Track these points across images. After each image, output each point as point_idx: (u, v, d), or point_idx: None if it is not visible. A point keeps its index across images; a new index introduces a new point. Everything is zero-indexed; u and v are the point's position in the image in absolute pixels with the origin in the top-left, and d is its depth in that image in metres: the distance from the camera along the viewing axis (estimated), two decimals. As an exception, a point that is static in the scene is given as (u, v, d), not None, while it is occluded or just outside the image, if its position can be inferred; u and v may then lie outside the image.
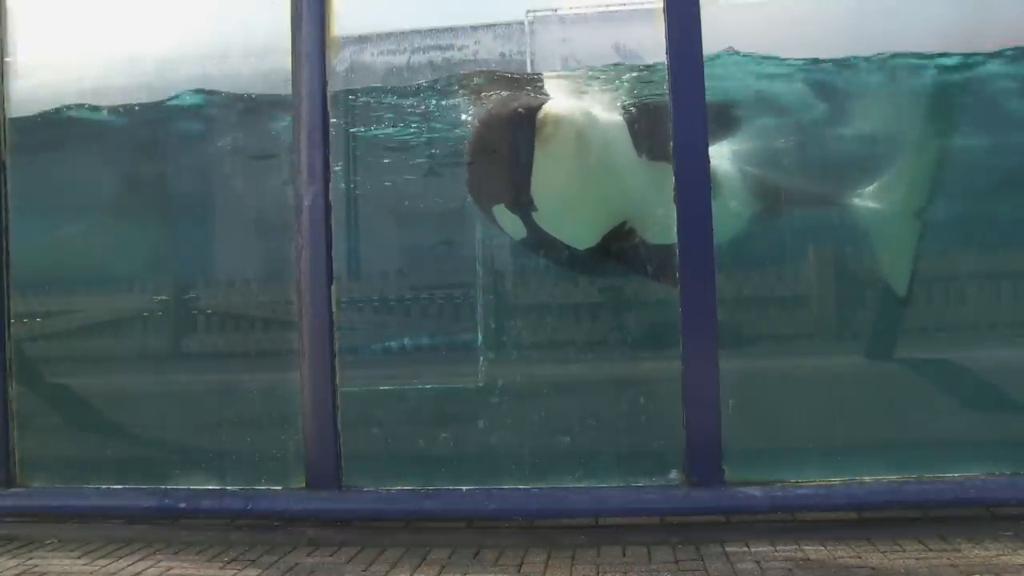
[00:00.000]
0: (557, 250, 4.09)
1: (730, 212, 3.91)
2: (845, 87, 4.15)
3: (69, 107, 4.32)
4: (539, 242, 4.03)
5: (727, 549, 3.07)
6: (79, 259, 4.37)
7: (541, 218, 3.90)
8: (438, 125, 4.36)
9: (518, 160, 3.81)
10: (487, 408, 3.97)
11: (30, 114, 4.21)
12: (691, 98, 3.44)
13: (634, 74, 4.13)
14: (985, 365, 3.88)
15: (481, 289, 4.24)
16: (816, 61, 4.05)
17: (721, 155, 3.89)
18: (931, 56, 4.02)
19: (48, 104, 4.29)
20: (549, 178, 3.81)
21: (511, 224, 4.00)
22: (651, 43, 3.59)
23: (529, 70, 4.33)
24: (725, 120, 3.92)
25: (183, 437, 4.12)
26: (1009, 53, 3.98)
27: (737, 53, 3.88)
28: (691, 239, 3.44)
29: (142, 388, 4.25)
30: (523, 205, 3.88)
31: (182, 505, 3.70)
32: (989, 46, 3.93)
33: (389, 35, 4.27)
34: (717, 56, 3.71)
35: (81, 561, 3.25)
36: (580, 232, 4.05)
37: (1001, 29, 3.88)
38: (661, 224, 3.99)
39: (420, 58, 4.21)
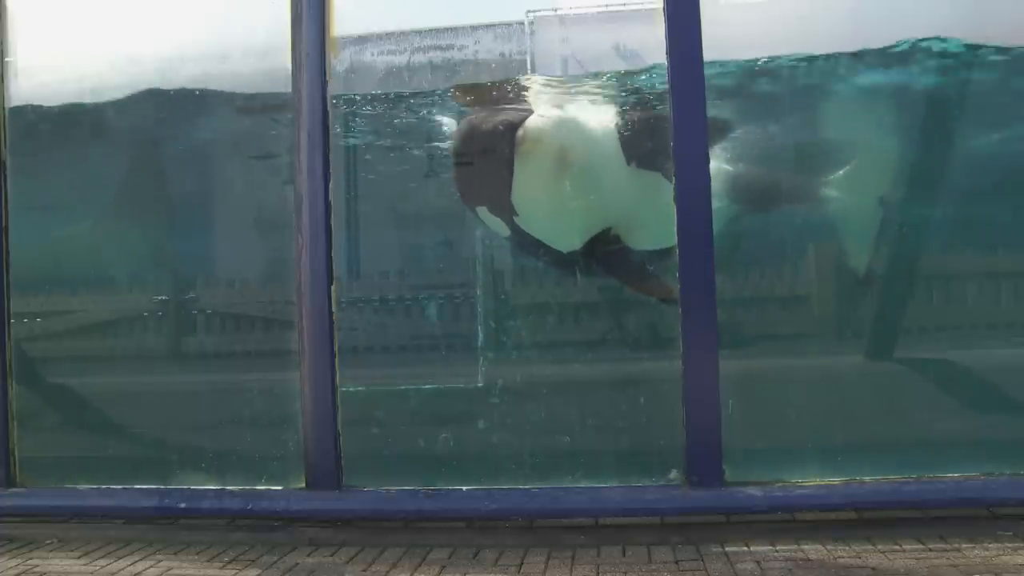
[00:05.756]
0: (543, 250, 4.12)
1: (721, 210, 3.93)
2: (839, 85, 4.16)
3: (69, 106, 4.32)
4: (523, 242, 4.08)
5: (727, 549, 3.07)
6: (79, 259, 4.37)
7: (522, 222, 3.94)
8: (439, 125, 4.36)
9: (499, 172, 3.84)
10: (487, 408, 3.97)
11: (30, 114, 4.21)
12: (691, 98, 3.44)
13: (628, 82, 4.14)
14: (985, 365, 3.88)
15: (481, 289, 4.25)
16: (812, 59, 4.06)
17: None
18: (927, 57, 4.03)
19: (48, 104, 4.29)
20: (529, 189, 3.88)
21: (494, 224, 4.04)
22: (651, 43, 3.59)
23: (529, 70, 4.33)
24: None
25: (183, 437, 4.12)
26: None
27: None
28: (691, 239, 3.44)
29: (142, 388, 4.25)
30: (504, 210, 3.92)
31: (182, 505, 3.70)
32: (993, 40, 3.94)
33: (389, 35, 4.28)
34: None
35: (81, 561, 3.25)
36: (561, 236, 4.09)
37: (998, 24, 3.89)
38: (647, 230, 4.03)
39: (420, 58, 4.22)
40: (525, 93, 4.17)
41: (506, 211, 3.93)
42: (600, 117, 4.11)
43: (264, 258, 4.30)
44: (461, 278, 4.32)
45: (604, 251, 4.12)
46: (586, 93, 4.22)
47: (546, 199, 3.95)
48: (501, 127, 3.87)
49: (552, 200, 3.96)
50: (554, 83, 4.26)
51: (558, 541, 3.26)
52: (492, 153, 3.88)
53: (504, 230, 4.04)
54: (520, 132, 3.81)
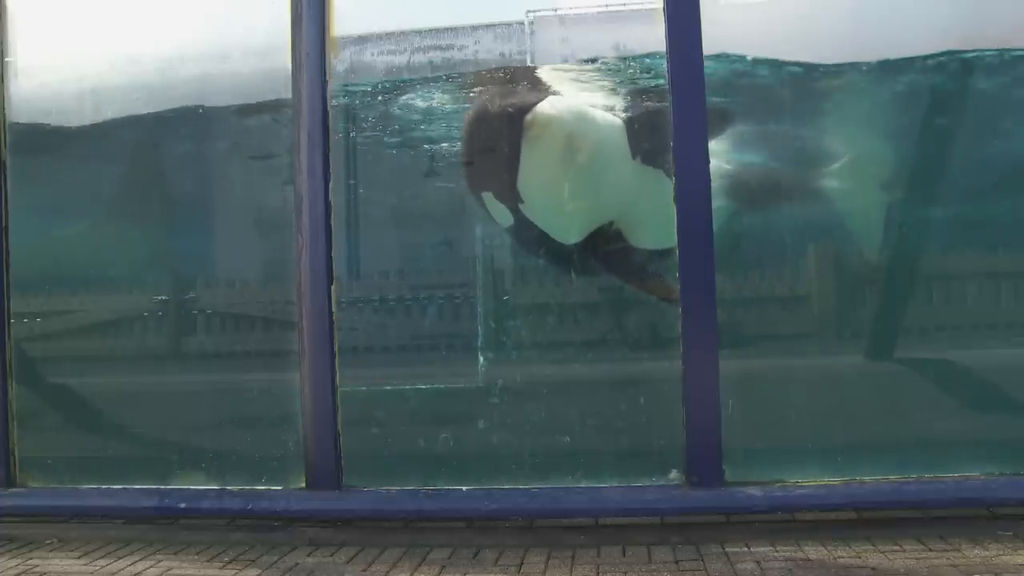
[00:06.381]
0: (544, 243, 4.12)
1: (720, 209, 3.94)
2: (841, 87, 4.15)
3: (69, 106, 4.32)
4: (525, 233, 4.08)
5: (727, 549, 3.07)
6: (79, 259, 4.37)
7: (528, 209, 3.96)
8: (438, 124, 4.36)
9: (507, 155, 3.86)
10: (487, 408, 3.96)
11: (30, 114, 4.21)
12: (691, 98, 3.45)
13: (632, 73, 4.14)
14: (985, 365, 3.88)
15: (481, 289, 4.25)
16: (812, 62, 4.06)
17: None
18: (928, 57, 4.03)
19: (48, 104, 4.29)
20: (535, 175, 3.90)
21: (499, 213, 4.05)
22: (651, 43, 3.60)
23: (529, 69, 4.33)
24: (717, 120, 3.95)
25: (183, 437, 4.12)
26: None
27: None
28: (691, 239, 3.44)
29: (142, 388, 4.25)
30: (510, 196, 3.94)
31: (182, 505, 3.70)
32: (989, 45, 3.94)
33: (389, 35, 4.27)
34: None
35: (81, 561, 3.25)
36: (565, 227, 4.10)
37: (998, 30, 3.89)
38: (648, 228, 4.04)
39: (420, 58, 4.22)
40: (532, 81, 4.17)
41: (512, 197, 3.95)
42: (609, 108, 4.12)
43: (264, 258, 4.30)
44: (461, 278, 4.31)
45: (605, 248, 4.13)
46: (595, 83, 4.22)
47: (553, 186, 3.98)
48: (511, 111, 3.89)
49: (558, 188, 3.98)
50: (564, 70, 4.26)
51: (558, 541, 3.26)
52: (502, 137, 3.89)
53: (508, 218, 4.05)
54: (529, 117, 3.83)
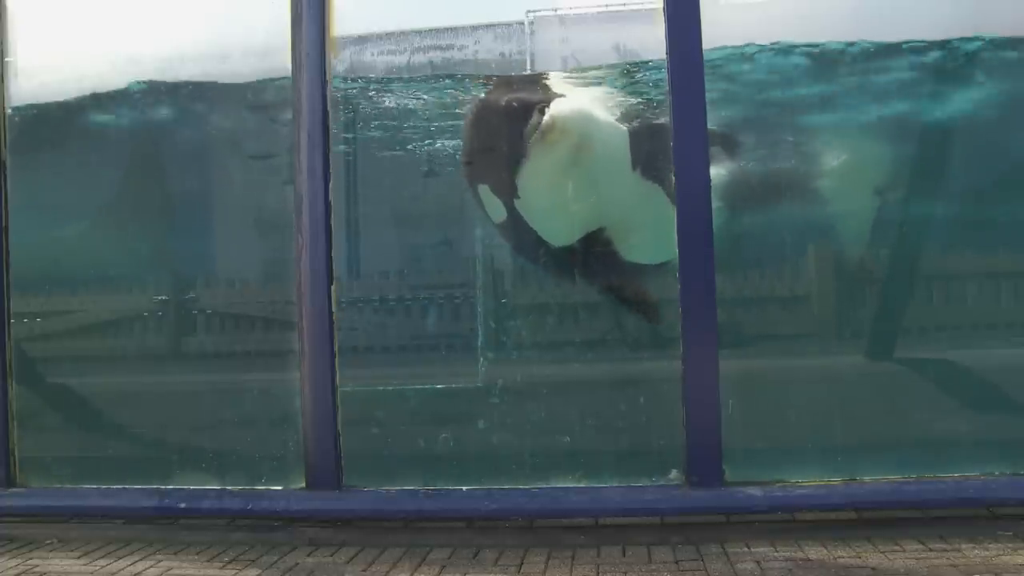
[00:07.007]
0: (536, 243, 4.12)
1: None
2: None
3: (69, 106, 4.32)
4: (517, 231, 4.08)
5: (727, 549, 3.07)
6: (79, 259, 4.38)
7: (522, 206, 3.96)
8: (439, 124, 4.36)
9: (511, 151, 3.86)
10: (487, 408, 3.97)
11: (30, 114, 4.21)
12: (691, 98, 3.44)
13: (638, 79, 4.14)
14: (985, 365, 3.88)
15: (481, 289, 4.25)
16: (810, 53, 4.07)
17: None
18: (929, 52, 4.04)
19: (48, 104, 4.29)
20: (539, 173, 3.89)
21: (492, 206, 4.04)
22: (651, 43, 3.60)
23: (529, 70, 4.34)
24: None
25: (183, 437, 4.12)
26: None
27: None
28: (691, 239, 3.44)
29: (142, 388, 4.25)
30: (507, 191, 3.95)
31: (182, 505, 3.70)
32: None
33: (389, 35, 4.28)
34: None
35: (81, 561, 3.25)
36: (557, 228, 4.10)
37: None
38: (639, 241, 4.04)
39: (420, 58, 4.22)
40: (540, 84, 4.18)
41: (509, 192, 3.93)
42: (618, 118, 4.12)
43: (264, 258, 4.31)
44: (461, 278, 4.32)
45: (594, 253, 4.12)
46: (600, 91, 4.22)
47: (552, 187, 3.97)
48: (519, 109, 3.88)
49: (557, 189, 3.98)
50: (568, 76, 4.26)
51: (558, 541, 3.26)
52: (509, 132, 3.88)
53: (501, 213, 4.03)
54: (548, 120, 3.81)
